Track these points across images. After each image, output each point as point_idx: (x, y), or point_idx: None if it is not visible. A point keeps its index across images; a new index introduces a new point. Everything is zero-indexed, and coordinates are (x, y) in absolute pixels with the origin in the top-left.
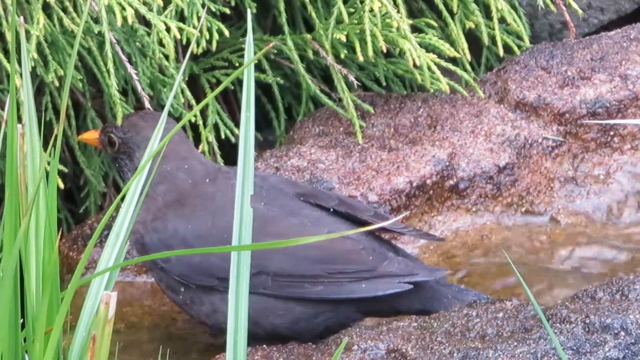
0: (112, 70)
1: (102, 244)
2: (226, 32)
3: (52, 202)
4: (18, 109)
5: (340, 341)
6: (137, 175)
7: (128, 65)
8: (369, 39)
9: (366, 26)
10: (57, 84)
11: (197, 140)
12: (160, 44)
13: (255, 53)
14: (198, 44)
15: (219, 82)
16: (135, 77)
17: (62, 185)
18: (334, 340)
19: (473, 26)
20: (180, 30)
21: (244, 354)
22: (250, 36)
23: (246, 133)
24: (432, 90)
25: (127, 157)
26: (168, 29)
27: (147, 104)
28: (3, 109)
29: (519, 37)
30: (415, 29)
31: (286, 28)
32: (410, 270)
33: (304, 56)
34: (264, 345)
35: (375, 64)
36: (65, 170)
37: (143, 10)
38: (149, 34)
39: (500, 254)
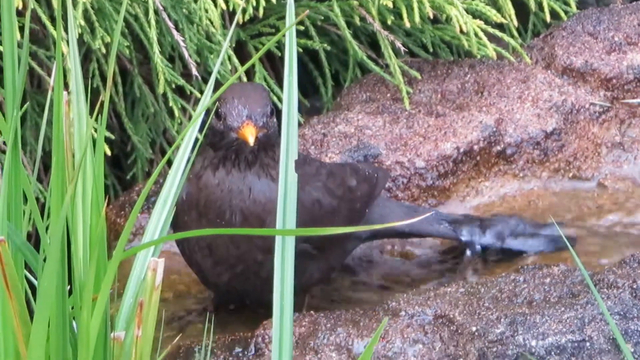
0: (155, 38)
1: (149, 211)
2: None
3: (99, 168)
4: (65, 76)
5: (387, 307)
6: (187, 131)
7: (175, 32)
8: (415, 5)
9: None
10: (103, 50)
11: None
12: (208, 11)
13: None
14: (245, 11)
15: None
16: (182, 44)
17: (109, 152)
18: (381, 306)
19: None
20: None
21: (290, 321)
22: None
23: (290, 97)
24: (479, 56)
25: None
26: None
27: (194, 71)
28: (50, 76)
29: (566, 3)
30: None
31: None
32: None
33: (350, 22)
34: (312, 312)
35: (422, 30)
36: (112, 137)
37: None
38: (195, 1)
39: (548, 219)
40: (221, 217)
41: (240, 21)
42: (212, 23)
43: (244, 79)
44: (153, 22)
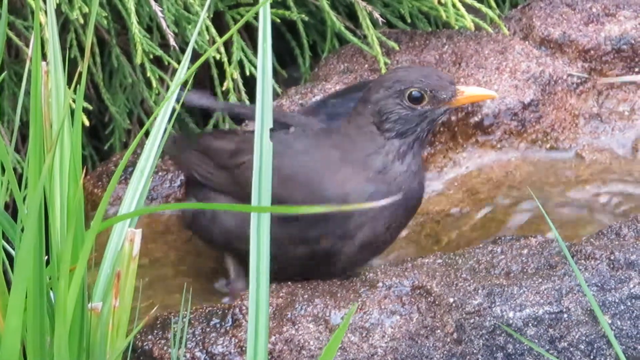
0: (133, 9)
1: (127, 181)
2: None
3: (76, 139)
4: (43, 47)
5: (365, 278)
6: (165, 102)
7: (153, 2)
8: None
9: None
10: (81, 21)
11: (221, 77)
12: None
13: None
14: None
15: None
16: (160, 14)
17: (86, 123)
18: (358, 277)
19: None
20: None
21: (267, 293)
22: None
23: (264, 66)
24: (456, 27)
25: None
26: None
27: (172, 41)
28: (28, 46)
29: None
30: None
31: None
32: None
33: None
34: (289, 283)
35: (399, 0)
36: (90, 107)
37: None
38: None
39: (525, 190)
40: (407, 202)
41: None
42: None
43: (222, 50)
44: None
